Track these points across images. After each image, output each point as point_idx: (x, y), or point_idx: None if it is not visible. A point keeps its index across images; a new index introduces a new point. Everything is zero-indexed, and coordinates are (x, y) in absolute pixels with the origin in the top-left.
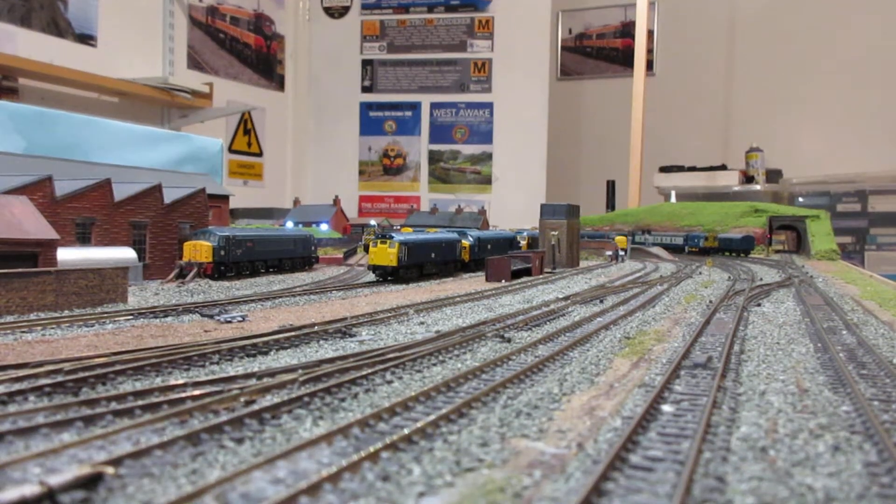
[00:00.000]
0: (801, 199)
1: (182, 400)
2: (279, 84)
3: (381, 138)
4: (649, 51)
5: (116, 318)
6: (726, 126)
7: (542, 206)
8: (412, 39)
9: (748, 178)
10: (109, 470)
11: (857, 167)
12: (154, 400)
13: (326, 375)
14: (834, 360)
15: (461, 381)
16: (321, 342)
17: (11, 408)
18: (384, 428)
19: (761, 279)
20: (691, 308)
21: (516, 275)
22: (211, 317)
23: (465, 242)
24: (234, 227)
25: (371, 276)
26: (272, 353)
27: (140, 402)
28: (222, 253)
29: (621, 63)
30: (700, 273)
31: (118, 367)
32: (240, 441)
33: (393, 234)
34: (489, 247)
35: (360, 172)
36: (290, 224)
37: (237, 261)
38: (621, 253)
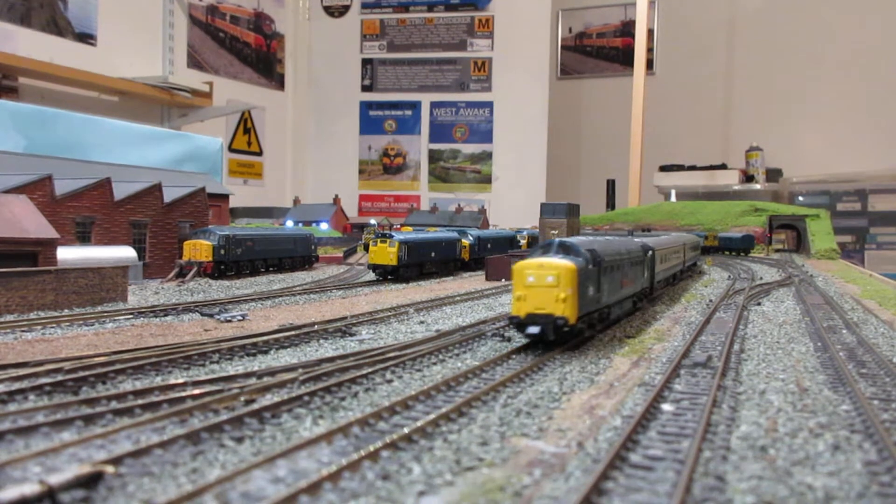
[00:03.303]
0: (801, 198)
1: (182, 399)
2: (279, 83)
3: (381, 137)
4: (649, 50)
5: (116, 318)
6: (726, 125)
7: (542, 205)
8: (412, 38)
9: (748, 177)
10: (109, 469)
11: (857, 166)
12: (154, 399)
13: (326, 374)
14: (834, 359)
15: (461, 380)
16: (321, 341)
17: (11, 407)
18: (384, 427)
19: (761, 278)
20: (691, 307)
21: None
22: (211, 316)
23: (465, 241)
24: (234, 227)
25: (371, 275)
26: (272, 352)
27: (140, 401)
28: (222, 252)
29: (621, 62)
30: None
31: (118, 366)
32: (240, 440)
33: (393, 233)
34: (489, 246)
35: (360, 171)
36: (289, 223)
37: (237, 260)
38: None
